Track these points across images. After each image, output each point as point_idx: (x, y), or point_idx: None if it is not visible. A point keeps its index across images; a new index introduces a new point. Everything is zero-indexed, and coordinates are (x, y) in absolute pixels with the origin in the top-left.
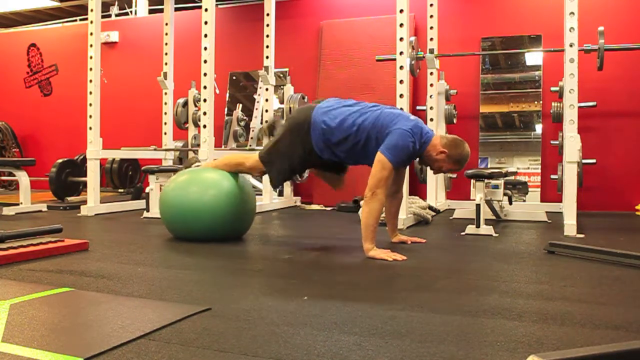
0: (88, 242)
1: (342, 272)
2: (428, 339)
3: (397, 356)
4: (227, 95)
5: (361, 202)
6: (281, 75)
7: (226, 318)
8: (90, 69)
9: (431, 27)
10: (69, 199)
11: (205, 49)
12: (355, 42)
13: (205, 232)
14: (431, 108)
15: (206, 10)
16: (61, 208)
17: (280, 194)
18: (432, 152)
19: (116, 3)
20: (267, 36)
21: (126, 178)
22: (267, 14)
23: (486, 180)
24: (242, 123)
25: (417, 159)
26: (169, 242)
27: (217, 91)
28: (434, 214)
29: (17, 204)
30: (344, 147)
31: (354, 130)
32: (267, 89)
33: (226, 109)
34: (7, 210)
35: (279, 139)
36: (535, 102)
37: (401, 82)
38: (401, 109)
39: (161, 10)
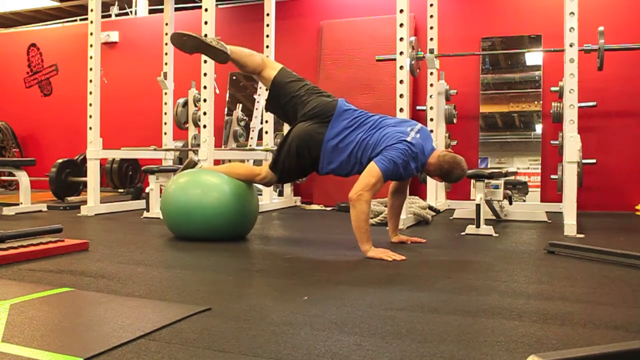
0: (88, 242)
1: (342, 272)
2: (428, 339)
3: (397, 356)
4: (227, 95)
5: None
6: None
7: (226, 318)
8: (90, 69)
9: (431, 27)
10: (69, 199)
11: None
12: (355, 42)
13: (209, 232)
14: (431, 108)
15: (206, 10)
16: (61, 208)
17: (280, 194)
18: (427, 169)
19: (116, 3)
20: (267, 36)
21: (126, 178)
22: (267, 14)
23: (486, 180)
24: (242, 123)
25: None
26: (169, 242)
27: (217, 91)
28: (434, 214)
29: (17, 204)
30: (352, 173)
31: (358, 160)
32: (266, 89)
33: (226, 109)
34: (7, 210)
35: (289, 161)
36: (535, 102)
37: (401, 82)
38: (401, 109)
39: (161, 10)
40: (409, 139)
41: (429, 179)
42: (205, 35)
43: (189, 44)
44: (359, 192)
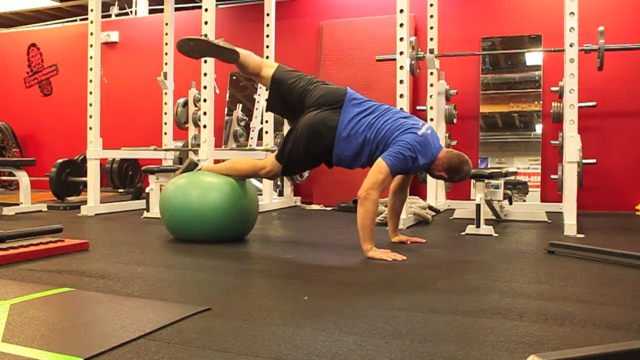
0: (88, 242)
1: (342, 272)
2: (428, 339)
3: (397, 356)
4: (227, 95)
5: None
6: None
7: (226, 318)
8: (90, 69)
9: (431, 27)
10: (69, 199)
11: None
12: (355, 42)
13: (208, 234)
14: (431, 108)
15: (206, 10)
16: (61, 208)
17: (280, 194)
18: (434, 170)
19: (116, 3)
20: (267, 36)
21: (126, 178)
22: (267, 14)
23: (486, 180)
24: (242, 123)
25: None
26: (169, 242)
27: (217, 91)
28: (434, 214)
29: (17, 204)
30: (359, 162)
31: (371, 149)
32: (267, 89)
33: (226, 109)
34: (7, 210)
35: (298, 151)
36: (535, 102)
37: (401, 82)
38: (401, 109)
39: (161, 10)
40: (420, 132)
41: (429, 179)
42: (205, 35)
43: (197, 49)
44: (367, 191)
